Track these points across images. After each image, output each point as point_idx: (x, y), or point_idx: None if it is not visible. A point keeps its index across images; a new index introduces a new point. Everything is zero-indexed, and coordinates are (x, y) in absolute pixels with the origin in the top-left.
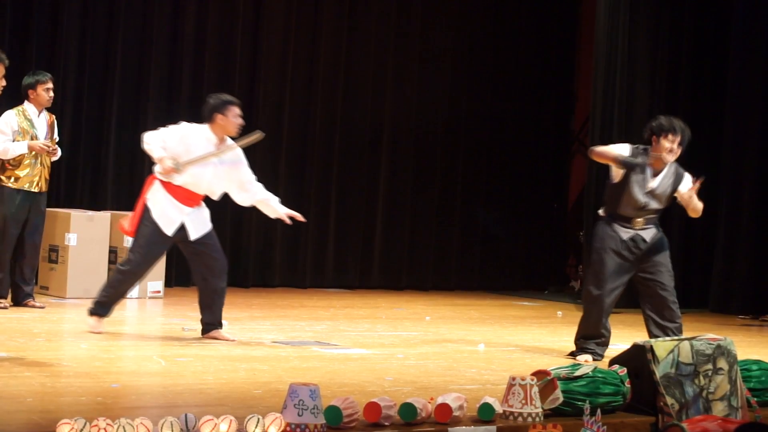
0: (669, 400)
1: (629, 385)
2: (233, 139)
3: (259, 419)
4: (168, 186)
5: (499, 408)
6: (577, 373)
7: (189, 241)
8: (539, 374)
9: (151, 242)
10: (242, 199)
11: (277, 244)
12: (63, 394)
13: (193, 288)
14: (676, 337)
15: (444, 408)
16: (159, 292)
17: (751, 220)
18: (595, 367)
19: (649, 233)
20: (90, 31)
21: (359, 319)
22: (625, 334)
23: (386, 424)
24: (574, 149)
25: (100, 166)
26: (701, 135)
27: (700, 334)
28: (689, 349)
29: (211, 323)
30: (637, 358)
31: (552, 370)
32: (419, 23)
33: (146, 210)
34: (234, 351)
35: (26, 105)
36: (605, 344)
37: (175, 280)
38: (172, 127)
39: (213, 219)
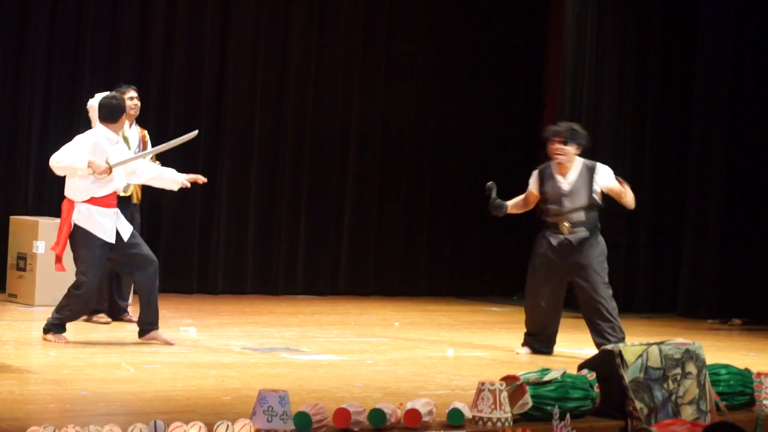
0: (638, 405)
1: (598, 390)
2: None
3: (228, 425)
4: (88, 201)
5: (468, 413)
6: (546, 378)
7: (123, 243)
8: (508, 379)
9: (99, 258)
10: (133, 181)
11: (248, 252)
12: (31, 401)
13: (162, 295)
14: (644, 342)
15: (413, 413)
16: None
17: (718, 225)
18: (564, 372)
19: (577, 238)
20: (58, 38)
21: (328, 325)
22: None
23: (356, 429)
24: (542, 156)
25: None
26: (669, 141)
27: (668, 339)
28: (658, 353)
29: (150, 323)
30: (605, 362)
31: (521, 375)
32: (386, 32)
33: (78, 230)
34: (203, 358)
35: None
36: (547, 343)
37: None
38: (77, 140)
39: (181, 226)
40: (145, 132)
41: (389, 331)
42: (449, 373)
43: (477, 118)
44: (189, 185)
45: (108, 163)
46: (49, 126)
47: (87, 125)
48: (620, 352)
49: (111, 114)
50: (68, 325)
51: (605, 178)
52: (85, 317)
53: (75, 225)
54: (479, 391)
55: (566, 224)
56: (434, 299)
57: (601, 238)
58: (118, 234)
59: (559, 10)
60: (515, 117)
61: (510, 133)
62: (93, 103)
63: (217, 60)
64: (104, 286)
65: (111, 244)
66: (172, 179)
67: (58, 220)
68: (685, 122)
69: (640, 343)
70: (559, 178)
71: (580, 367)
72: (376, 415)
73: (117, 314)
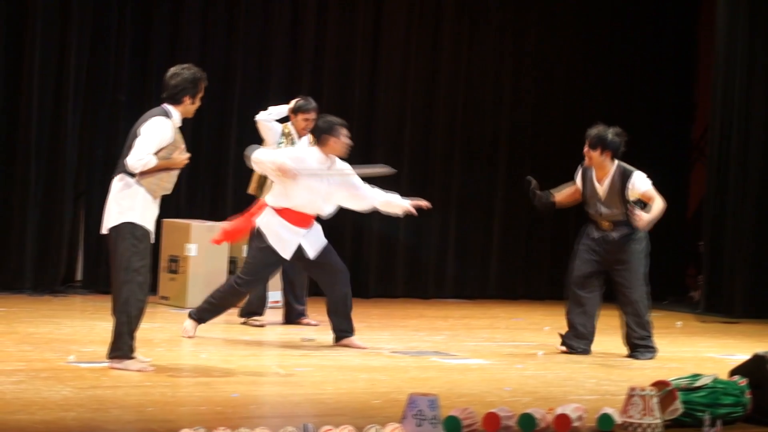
0: None
1: (750, 396)
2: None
3: (378, 429)
4: (281, 211)
5: (618, 419)
6: (697, 383)
7: (309, 259)
8: (659, 385)
9: (266, 265)
10: (361, 207)
11: (399, 256)
12: (183, 403)
13: (311, 299)
14: None
15: (563, 419)
16: (278, 302)
17: None
18: (715, 378)
19: (619, 233)
20: (210, 42)
21: (478, 329)
22: (745, 345)
23: None
24: (694, 158)
25: (220, 176)
26: None
27: None
28: None
29: (343, 330)
30: (757, 368)
31: (672, 380)
32: (535, 33)
33: (259, 235)
34: (353, 361)
35: (290, 125)
36: (581, 337)
37: None
38: (283, 149)
39: (332, 232)
40: None
41: (539, 336)
42: (599, 378)
43: (627, 120)
44: (415, 212)
45: (297, 169)
46: (201, 129)
47: (240, 132)
48: None
49: (318, 137)
50: (223, 328)
51: (639, 186)
52: (243, 320)
53: (258, 227)
54: (629, 396)
55: (606, 223)
56: None
57: (643, 235)
58: (301, 251)
59: (711, 9)
60: (667, 119)
61: (661, 135)
62: (259, 118)
63: (368, 63)
64: (262, 290)
65: (285, 259)
66: (399, 205)
67: (209, 224)
68: None
69: None
70: (596, 183)
71: (732, 373)
72: (526, 419)
73: (294, 317)
